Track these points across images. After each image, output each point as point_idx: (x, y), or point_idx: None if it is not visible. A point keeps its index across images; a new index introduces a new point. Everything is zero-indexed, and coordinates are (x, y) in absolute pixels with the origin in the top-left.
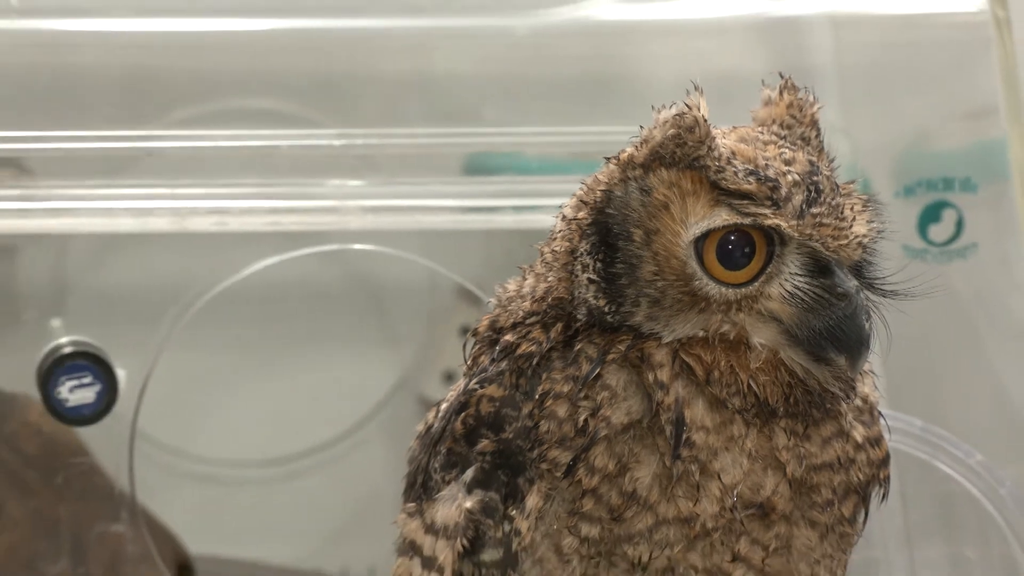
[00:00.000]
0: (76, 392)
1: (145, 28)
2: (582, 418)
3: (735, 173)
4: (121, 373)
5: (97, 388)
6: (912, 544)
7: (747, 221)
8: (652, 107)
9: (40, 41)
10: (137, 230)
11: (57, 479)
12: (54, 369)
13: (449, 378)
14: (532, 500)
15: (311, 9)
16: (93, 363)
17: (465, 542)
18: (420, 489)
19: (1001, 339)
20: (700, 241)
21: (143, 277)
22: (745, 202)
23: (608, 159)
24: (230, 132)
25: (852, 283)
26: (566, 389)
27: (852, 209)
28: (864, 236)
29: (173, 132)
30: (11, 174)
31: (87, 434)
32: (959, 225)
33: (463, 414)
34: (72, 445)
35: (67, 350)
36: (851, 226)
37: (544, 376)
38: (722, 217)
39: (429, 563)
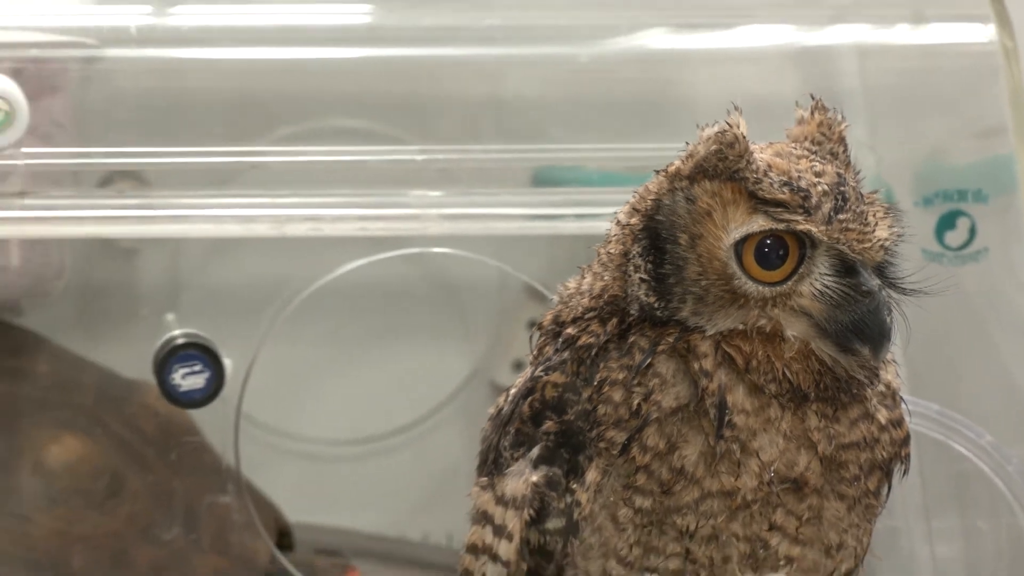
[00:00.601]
0: (188, 378)
1: (251, 56)
2: (635, 402)
3: (771, 184)
4: (227, 362)
5: (206, 375)
6: (929, 515)
7: (781, 226)
8: (697, 125)
9: (157, 67)
10: (242, 235)
11: (171, 455)
12: (168, 358)
13: (518, 367)
14: (591, 475)
15: (397, 39)
16: (203, 353)
17: (532, 512)
18: (492, 465)
19: (1008, 334)
20: (739, 244)
21: (247, 277)
22: (780, 210)
23: (658, 172)
24: (325, 148)
25: (875, 282)
26: (621, 376)
27: (875, 216)
28: (886, 240)
29: (275, 148)
30: (132, 185)
31: (197, 416)
32: (972, 232)
33: (530, 398)
34: (185, 425)
35: (180, 341)
36: (874, 231)
37: (601, 365)
38: (759, 223)
39: (499, 531)
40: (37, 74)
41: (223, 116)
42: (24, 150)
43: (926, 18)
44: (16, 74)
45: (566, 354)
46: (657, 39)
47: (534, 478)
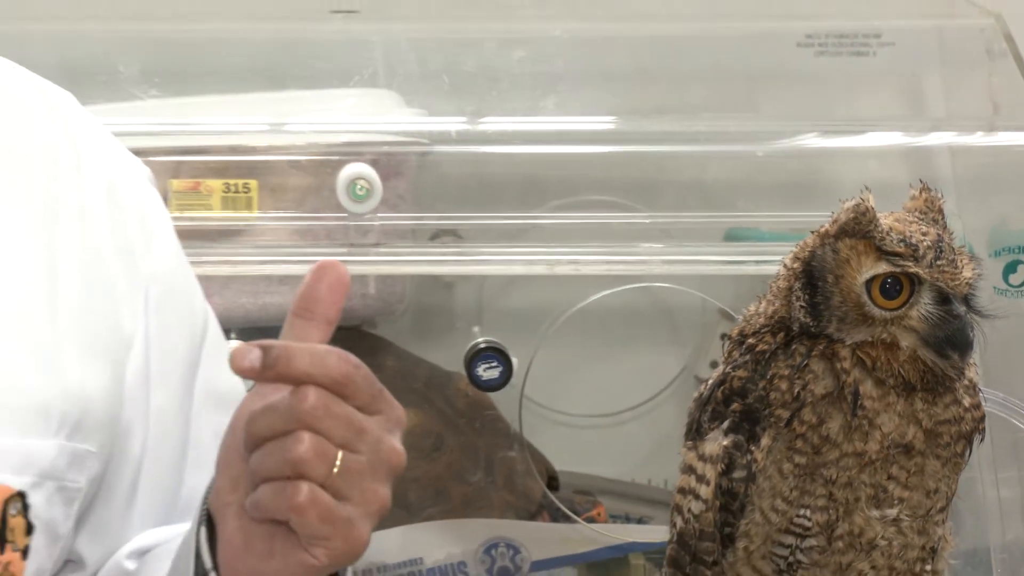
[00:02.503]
0: (487, 371)
1: (532, 151)
2: (796, 390)
3: (891, 240)
4: (515, 360)
5: (500, 369)
6: (996, 468)
7: (898, 270)
8: (839, 200)
9: (469, 159)
10: (525, 273)
11: (476, 424)
12: (474, 357)
13: (713, 365)
14: (765, 441)
15: (632, 140)
16: (498, 354)
17: (723, 465)
18: (695, 433)
19: None
20: (869, 282)
21: (529, 301)
22: (897, 258)
23: (812, 232)
24: (582, 214)
25: (962, 309)
26: (786, 372)
27: (962, 262)
28: (969, 279)
29: (549, 214)
30: (452, 239)
31: (494, 397)
32: None
33: (722, 387)
34: (486, 403)
35: (482, 345)
36: (962, 272)
37: (772, 364)
38: (883, 267)
39: (701, 478)
40: (388, 163)
41: (513, 192)
42: (379, 215)
43: (996, 128)
44: (374, 163)
45: (747, 357)
46: (811, 140)
47: (725, 442)
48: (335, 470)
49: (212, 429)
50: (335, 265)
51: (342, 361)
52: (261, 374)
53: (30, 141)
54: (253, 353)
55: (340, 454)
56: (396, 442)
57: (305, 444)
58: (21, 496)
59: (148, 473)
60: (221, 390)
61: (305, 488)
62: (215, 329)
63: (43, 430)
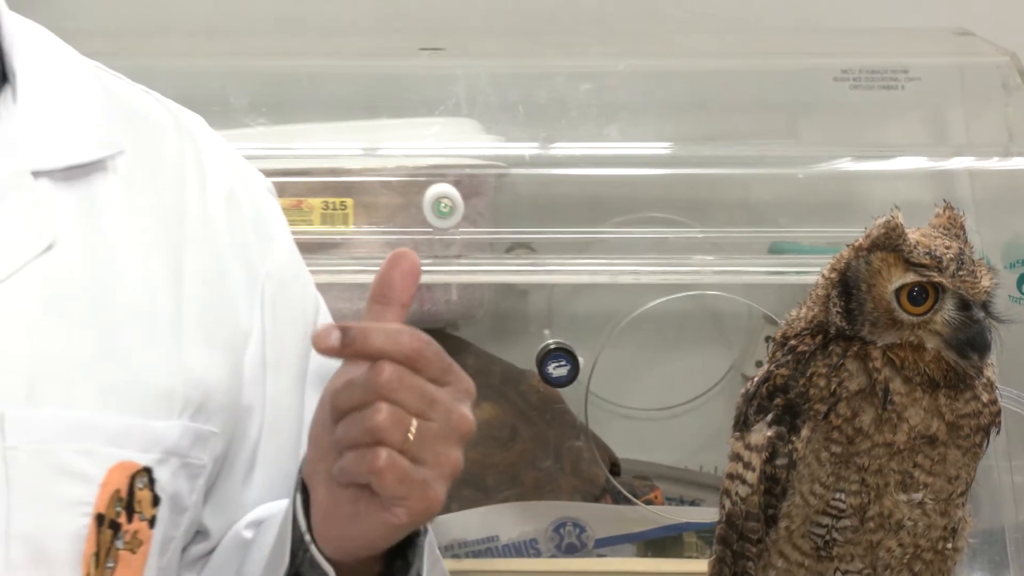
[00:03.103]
0: (556, 369)
1: (597, 173)
2: (833, 387)
3: (918, 253)
4: (581, 359)
5: (568, 367)
6: (1011, 457)
7: (924, 279)
8: (872, 217)
9: (541, 180)
10: (591, 282)
11: (547, 416)
12: (545, 357)
13: (758, 364)
14: (804, 432)
15: (686, 163)
16: (566, 354)
17: (767, 454)
18: (742, 424)
19: None
20: (898, 291)
21: (592, 306)
22: (923, 269)
23: (848, 245)
24: (642, 229)
25: (981, 314)
26: (824, 371)
27: (981, 272)
28: (987, 288)
29: (612, 229)
30: (525, 251)
31: (563, 392)
32: None
33: (766, 384)
34: (555, 398)
35: (552, 346)
36: (981, 281)
37: (811, 364)
38: (911, 277)
39: (747, 465)
40: (469, 183)
41: (580, 209)
42: (460, 230)
43: (1011, 153)
44: (456, 183)
45: (789, 357)
46: (846, 164)
47: (769, 433)
48: (410, 436)
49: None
50: (407, 254)
51: (414, 338)
52: (341, 351)
53: (162, 156)
54: (334, 334)
55: (414, 422)
56: (466, 410)
57: (383, 414)
58: (147, 471)
59: (265, 452)
60: (331, 371)
61: (384, 453)
62: (325, 316)
63: (167, 412)
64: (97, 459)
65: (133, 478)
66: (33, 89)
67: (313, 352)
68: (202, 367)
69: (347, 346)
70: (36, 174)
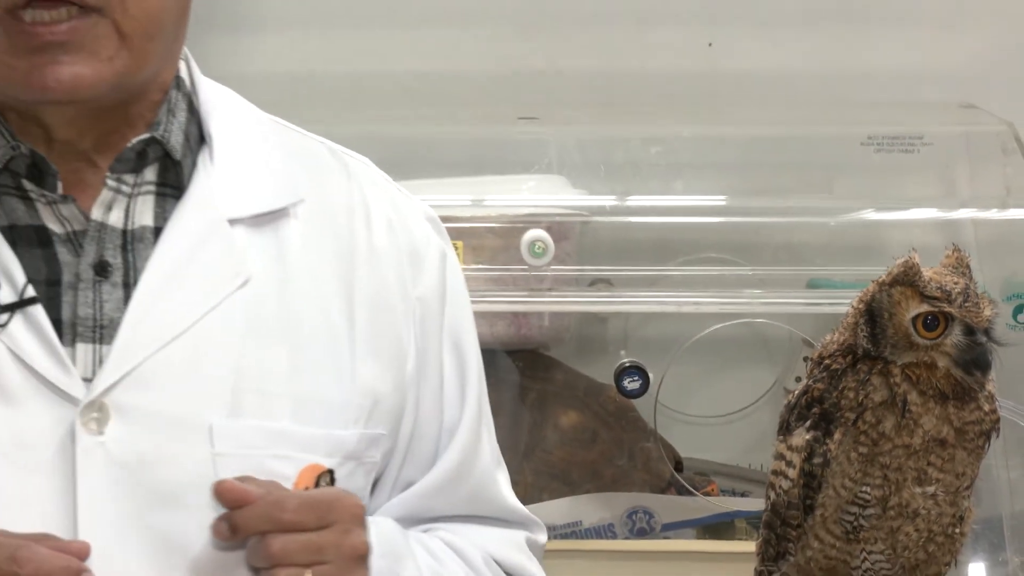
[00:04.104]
0: (631, 384)
1: (665, 221)
2: (860, 398)
3: (931, 288)
4: (651, 375)
5: (640, 382)
6: (1007, 456)
7: (936, 309)
8: (892, 258)
9: (620, 227)
10: (658, 311)
11: (622, 422)
12: (621, 373)
13: (798, 380)
14: (836, 436)
15: (738, 213)
16: (638, 370)
17: (805, 454)
18: (784, 429)
19: None
20: (915, 319)
21: (661, 331)
22: (936, 300)
23: (873, 281)
24: (702, 268)
25: (984, 338)
26: (853, 385)
27: (984, 303)
28: (989, 316)
29: (677, 268)
30: (605, 286)
31: (636, 403)
32: None
33: (805, 396)
34: (629, 407)
35: (627, 364)
36: (984, 311)
37: (843, 379)
38: (925, 308)
39: (789, 463)
40: (559, 229)
41: (651, 250)
42: (552, 267)
43: (1008, 205)
44: (548, 229)
45: (824, 373)
46: (870, 214)
47: (807, 436)
48: None
49: (452, 364)
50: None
51: (290, 508)
52: (233, 537)
53: (333, 198)
54: (222, 526)
55: (308, 573)
56: (357, 535)
57: None
58: (330, 472)
59: (414, 448)
60: (456, 337)
61: None
62: (470, 325)
63: (345, 422)
64: (291, 463)
65: (319, 478)
66: (226, 149)
67: (447, 326)
68: (372, 379)
69: (235, 533)
70: (232, 222)
